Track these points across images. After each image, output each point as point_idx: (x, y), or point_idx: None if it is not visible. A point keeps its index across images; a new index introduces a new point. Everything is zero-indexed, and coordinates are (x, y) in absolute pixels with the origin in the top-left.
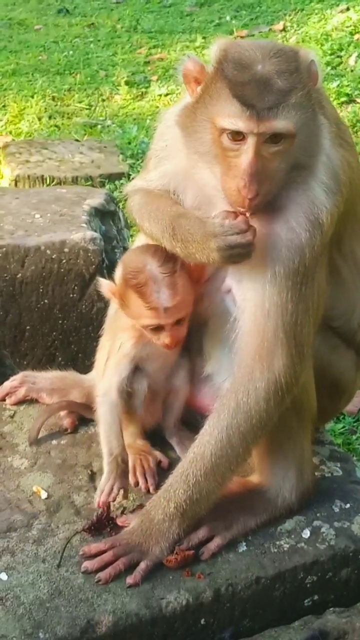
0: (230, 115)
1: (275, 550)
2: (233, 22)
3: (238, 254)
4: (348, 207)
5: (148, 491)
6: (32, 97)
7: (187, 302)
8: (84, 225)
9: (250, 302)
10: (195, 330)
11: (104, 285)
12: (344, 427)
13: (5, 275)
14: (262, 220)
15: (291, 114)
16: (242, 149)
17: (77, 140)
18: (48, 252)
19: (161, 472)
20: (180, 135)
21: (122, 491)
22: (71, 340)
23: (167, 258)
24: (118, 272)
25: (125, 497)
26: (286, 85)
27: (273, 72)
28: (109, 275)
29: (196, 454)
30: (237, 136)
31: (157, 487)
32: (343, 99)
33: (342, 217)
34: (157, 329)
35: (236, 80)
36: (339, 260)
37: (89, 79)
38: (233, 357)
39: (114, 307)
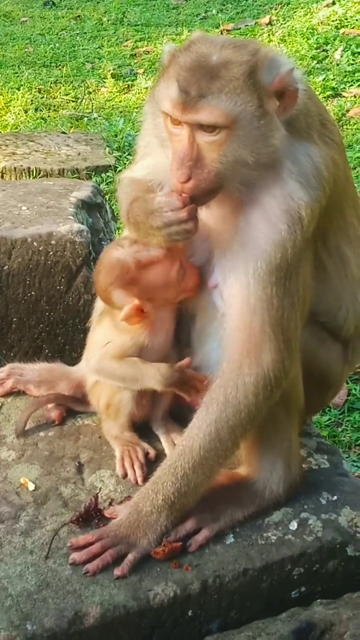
0: (167, 99)
1: (263, 542)
2: (219, 15)
3: (176, 232)
4: (333, 204)
5: (137, 483)
6: (19, 89)
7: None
8: (71, 217)
9: (237, 297)
10: (183, 324)
11: (127, 310)
12: (329, 419)
13: None
14: (242, 215)
15: (225, 104)
16: (181, 134)
17: (63, 133)
18: (35, 244)
19: (149, 464)
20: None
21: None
22: (58, 333)
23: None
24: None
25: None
26: (226, 76)
27: (218, 62)
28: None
29: (185, 447)
30: (175, 121)
31: (146, 478)
32: (329, 92)
33: (327, 213)
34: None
35: (182, 65)
36: (325, 255)
37: (75, 71)
38: (221, 352)
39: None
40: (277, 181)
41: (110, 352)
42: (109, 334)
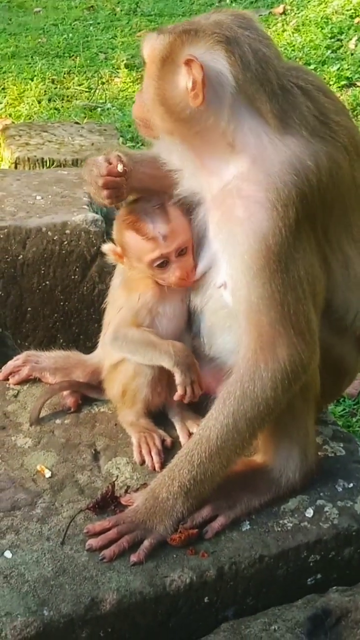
0: None
1: (279, 529)
2: (233, 5)
3: (94, 194)
4: (332, 199)
5: (154, 469)
6: (32, 79)
7: (183, 228)
8: (86, 207)
9: (241, 297)
10: (195, 316)
11: (106, 247)
12: (344, 409)
13: (6, 256)
14: (235, 209)
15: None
16: None
17: (77, 123)
18: (49, 233)
19: (165, 452)
20: None
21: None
22: (72, 322)
23: (153, 196)
24: (115, 227)
25: (200, 389)
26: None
27: None
28: None
29: (202, 436)
30: None
31: (163, 465)
32: (343, 82)
33: (325, 206)
34: (164, 264)
35: None
36: (328, 250)
37: (88, 61)
38: (235, 347)
39: (117, 277)
40: (252, 170)
41: (124, 319)
42: (121, 299)
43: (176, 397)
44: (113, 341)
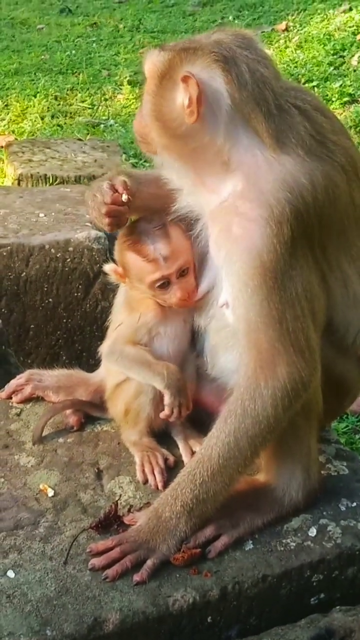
0: None
1: (282, 548)
2: (236, 22)
3: (96, 218)
4: (329, 218)
5: (157, 488)
6: (35, 96)
7: (185, 249)
8: (88, 224)
9: (240, 316)
10: (198, 336)
11: (108, 267)
12: (347, 426)
13: (9, 274)
14: (233, 226)
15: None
16: None
17: (79, 140)
18: (52, 251)
19: (168, 471)
20: None
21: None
22: (75, 339)
23: (154, 216)
24: (116, 247)
25: (187, 410)
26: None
27: None
28: None
29: (203, 455)
30: None
31: (166, 484)
32: (346, 99)
33: (322, 224)
34: (165, 285)
35: None
36: (326, 268)
37: (91, 78)
38: (236, 366)
39: (120, 295)
40: (246, 188)
41: (122, 335)
42: (122, 315)
43: (162, 415)
44: (109, 355)
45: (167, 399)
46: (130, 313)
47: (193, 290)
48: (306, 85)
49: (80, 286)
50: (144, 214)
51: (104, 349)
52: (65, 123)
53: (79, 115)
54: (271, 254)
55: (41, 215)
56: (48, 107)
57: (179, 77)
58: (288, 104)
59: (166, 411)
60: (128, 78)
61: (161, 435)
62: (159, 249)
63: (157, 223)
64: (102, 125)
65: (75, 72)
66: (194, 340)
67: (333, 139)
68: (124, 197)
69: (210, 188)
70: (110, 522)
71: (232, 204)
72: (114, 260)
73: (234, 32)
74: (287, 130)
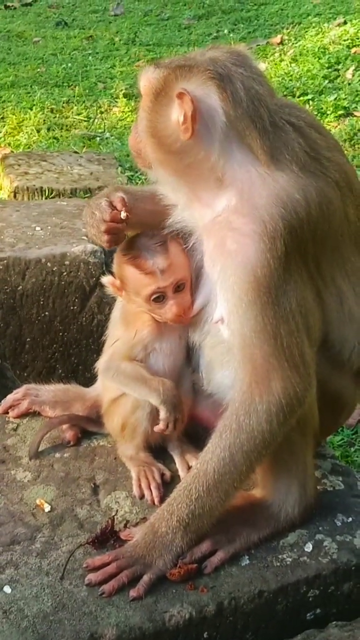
0: None
1: (278, 564)
2: (231, 35)
3: (94, 235)
4: (324, 233)
5: (154, 503)
6: (31, 109)
7: (182, 265)
8: (85, 237)
9: (235, 331)
10: (194, 351)
11: (105, 280)
12: (342, 439)
13: (5, 287)
14: (227, 241)
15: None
16: None
17: (75, 152)
18: (49, 264)
19: (165, 486)
20: None
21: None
22: (71, 353)
23: (155, 233)
24: (115, 261)
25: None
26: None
27: None
28: None
29: (199, 470)
30: None
31: (163, 499)
32: (340, 112)
33: (316, 240)
34: (161, 299)
35: None
36: (320, 284)
37: (87, 91)
38: (232, 381)
39: (117, 310)
40: (240, 203)
41: (119, 351)
42: (118, 331)
43: (156, 429)
44: (105, 371)
45: (163, 415)
46: (126, 328)
47: (189, 307)
48: (301, 98)
49: (76, 300)
50: (140, 229)
51: (100, 364)
52: (61, 136)
53: (75, 128)
54: (265, 269)
55: (37, 228)
56: (44, 120)
57: (174, 94)
58: (282, 121)
59: (161, 425)
60: (124, 91)
61: (158, 450)
62: (157, 263)
63: (157, 240)
64: (98, 138)
65: (71, 84)
66: (190, 356)
67: (327, 156)
68: (123, 215)
69: (204, 203)
70: (107, 538)
71: (226, 219)
72: (111, 273)
73: (229, 50)
74: (282, 146)
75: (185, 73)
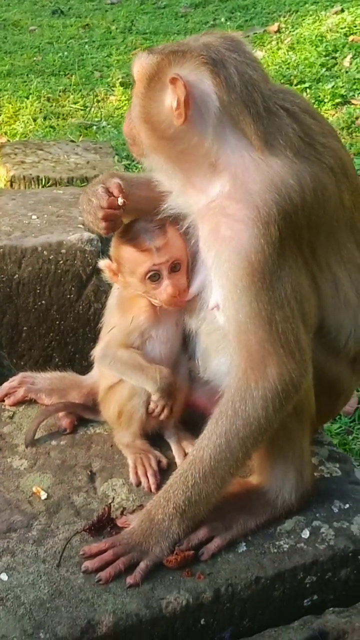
0: None
1: (275, 550)
2: (228, 23)
3: (91, 222)
4: (318, 219)
5: (150, 490)
6: (27, 98)
7: (179, 246)
8: (81, 226)
9: (231, 318)
10: (190, 340)
11: (102, 263)
12: (340, 427)
13: (2, 276)
14: (222, 227)
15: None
16: None
17: (72, 141)
18: (45, 253)
19: (161, 473)
20: None
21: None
22: (68, 341)
23: (154, 217)
24: (112, 244)
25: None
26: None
27: None
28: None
29: (195, 457)
30: None
31: (159, 487)
32: (338, 100)
33: (311, 227)
34: (156, 277)
35: None
36: (316, 270)
37: (84, 80)
38: (228, 370)
39: (113, 297)
40: (233, 189)
41: (115, 339)
42: (114, 318)
43: (150, 409)
44: (102, 358)
45: (156, 399)
46: (122, 315)
47: (184, 289)
48: (298, 86)
49: (73, 288)
50: (136, 216)
51: (96, 352)
52: (57, 125)
53: (72, 117)
54: (259, 255)
55: (34, 217)
56: (40, 109)
57: (167, 80)
58: (276, 106)
59: (152, 405)
60: (120, 79)
61: (154, 437)
62: (154, 242)
63: (155, 222)
64: (94, 127)
65: (68, 73)
66: (186, 343)
67: (322, 141)
68: (120, 201)
69: (199, 189)
70: (104, 525)
71: (220, 204)
72: (109, 257)
73: (223, 35)
74: (276, 132)
75: (178, 59)
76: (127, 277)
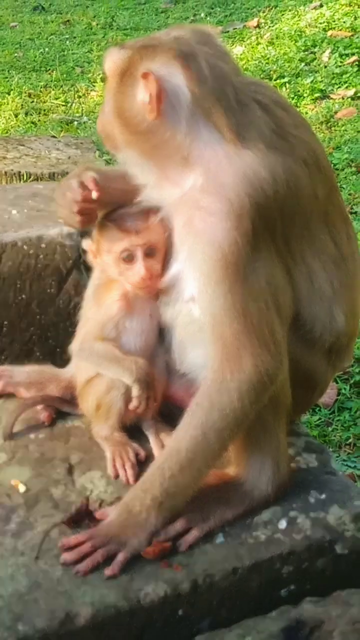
0: None
1: (252, 541)
2: (207, 19)
3: (65, 217)
4: (292, 210)
5: (128, 483)
6: (9, 93)
7: (158, 233)
8: (61, 220)
9: (205, 309)
10: (167, 331)
11: (85, 243)
12: (319, 419)
13: None
14: (195, 219)
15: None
16: None
17: (53, 137)
18: (25, 247)
19: (139, 465)
20: None
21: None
22: (49, 335)
23: (141, 205)
24: (96, 224)
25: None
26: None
27: None
28: (86, 271)
29: (172, 449)
30: None
31: (137, 479)
32: (317, 94)
33: (284, 218)
34: (131, 258)
35: None
36: (290, 261)
37: (65, 75)
38: (204, 362)
39: (90, 288)
40: (206, 182)
41: (91, 332)
42: (90, 311)
43: (130, 406)
44: (79, 352)
45: (135, 392)
46: (98, 308)
47: (157, 275)
48: (278, 81)
49: (53, 282)
50: (111, 209)
51: (74, 345)
52: (39, 120)
53: (53, 113)
54: (232, 247)
55: (14, 212)
56: (22, 105)
57: (139, 74)
58: (248, 99)
59: (134, 402)
60: (101, 75)
61: (132, 429)
62: (135, 225)
63: (139, 209)
64: (75, 122)
65: (49, 69)
66: (163, 336)
67: (294, 133)
68: (94, 195)
69: (173, 182)
70: (82, 517)
71: (193, 197)
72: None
73: (193, 28)
74: (248, 124)
75: (149, 53)
76: (104, 256)
